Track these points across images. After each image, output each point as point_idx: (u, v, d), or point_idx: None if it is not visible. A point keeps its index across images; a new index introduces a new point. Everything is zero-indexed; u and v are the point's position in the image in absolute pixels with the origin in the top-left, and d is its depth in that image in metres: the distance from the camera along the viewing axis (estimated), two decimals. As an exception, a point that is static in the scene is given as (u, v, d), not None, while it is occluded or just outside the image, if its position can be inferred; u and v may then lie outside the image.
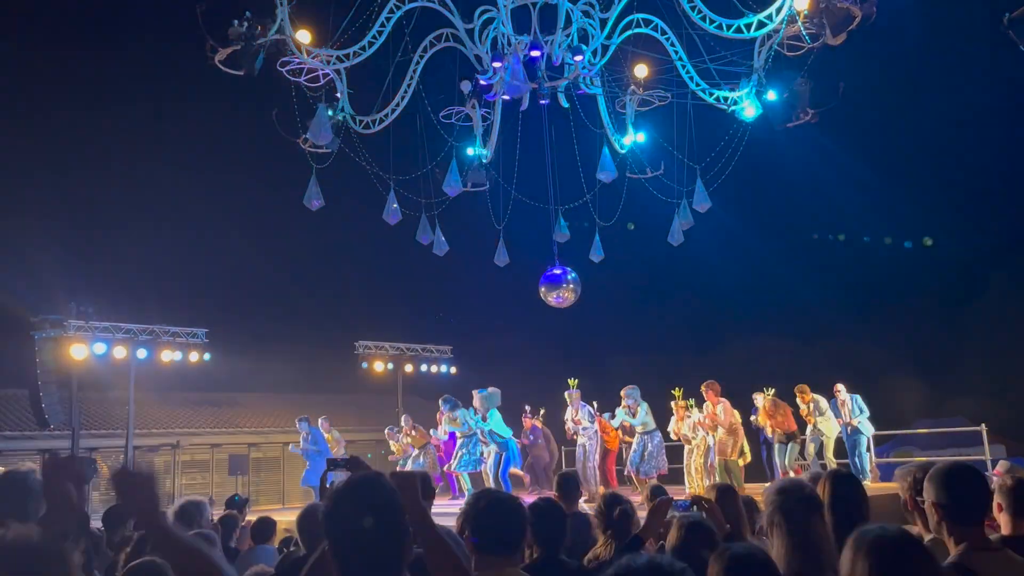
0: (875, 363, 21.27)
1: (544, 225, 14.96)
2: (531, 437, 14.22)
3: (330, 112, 12.47)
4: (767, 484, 5.81)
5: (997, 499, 3.32)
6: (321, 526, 2.08)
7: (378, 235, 18.81)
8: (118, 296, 21.31)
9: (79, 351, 16.12)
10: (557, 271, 13.99)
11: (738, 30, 11.03)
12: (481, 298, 23.76)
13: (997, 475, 6.74)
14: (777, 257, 23.54)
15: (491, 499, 2.93)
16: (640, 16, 12.74)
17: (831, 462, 12.20)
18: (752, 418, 13.03)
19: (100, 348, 16.32)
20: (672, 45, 12.53)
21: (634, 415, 12.45)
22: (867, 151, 23.48)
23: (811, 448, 12.61)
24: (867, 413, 12.69)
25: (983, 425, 13.75)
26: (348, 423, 20.86)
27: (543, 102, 12.83)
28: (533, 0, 12.05)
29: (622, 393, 12.58)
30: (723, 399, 12.28)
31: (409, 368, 21.88)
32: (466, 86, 13.20)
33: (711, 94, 12.22)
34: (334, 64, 12.04)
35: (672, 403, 12.47)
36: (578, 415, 12.85)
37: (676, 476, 12.76)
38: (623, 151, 14.03)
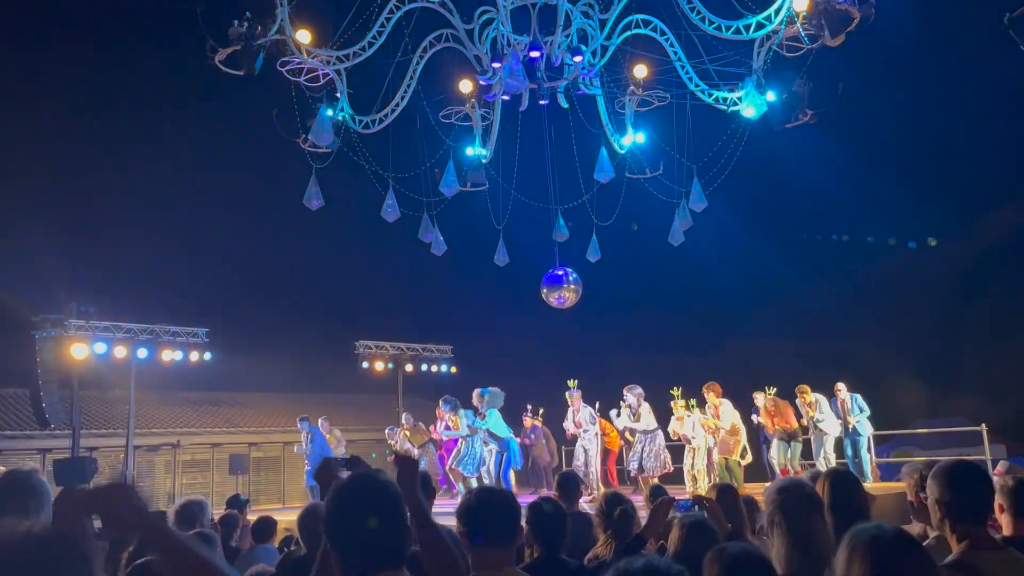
0: (875, 363, 21.29)
1: (544, 225, 14.98)
2: (531, 437, 14.23)
3: (330, 112, 12.48)
4: (767, 484, 5.82)
5: (998, 499, 3.32)
6: (322, 523, 2.09)
7: (378, 235, 18.86)
8: (119, 295, 21.34)
9: (80, 350, 16.12)
10: (559, 272, 14.01)
11: (737, 31, 11.04)
12: (481, 298, 23.78)
13: (997, 475, 6.74)
14: (777, 257, 23.56)
15: (482, 494, 2.97)
16: (639, 17, 12.74)
17: (831, 462, 12.20)
18: (753, 417, 13.03)
19: (101, 347, 16.32)
20: (671, 46, 12.54)
21: (636, 416, 12.45)
22: (867, 151, 23.50)
23: (812, 448, 12.61)
24: (867, 413, 12.69)
25: (983, 425, 13.75)
26: (348, 423, 20.86)
27: (542, 103, 12.83)
28: (533, 1, 12.04)
29: (625, 392, 12.58)
30: (724, 399, 12.28)
31: (409, 368, 21.88)
32: (466, 86, 13.21)
33: (710, 95, 12.23)
34: (334, 64, 12.04)
35: (672, 403, 12.48)
36: (579, 416, 12.84)
37: (678, 476, 12.76)
38: (622, 151, 14.03)
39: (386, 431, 15.37)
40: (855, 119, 19.38)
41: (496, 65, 12.22)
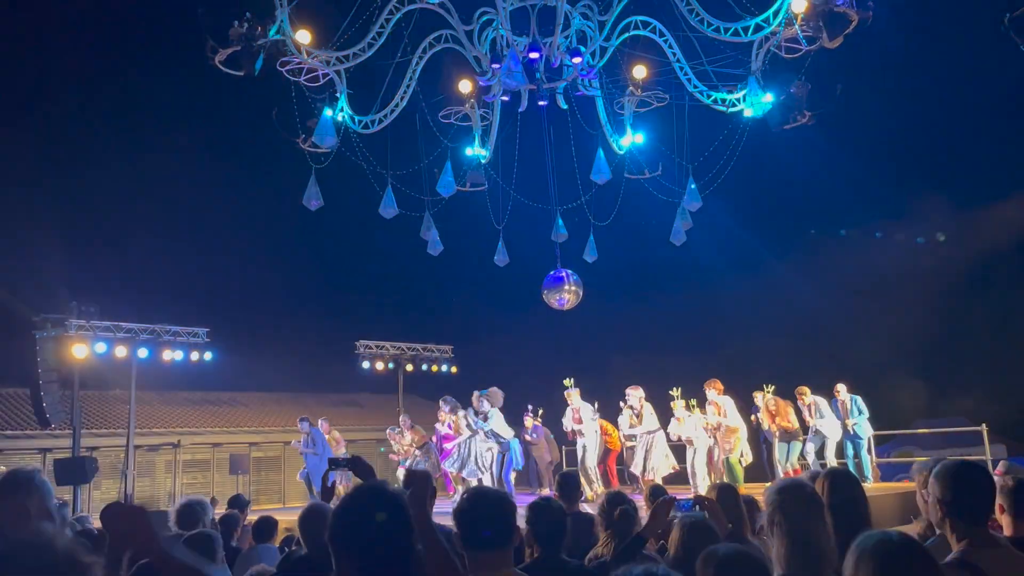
0: (876, 363, 21.29)
1: (544, 225, 15.00)
2: (533, 436, 14.24)
3: (329, 112, 12.50)
4: (767, 484, 5.82)
5: (998, 499, 3.32)
6: (331, 530, 2.08)
7: (378, 235, 18.87)
8: (120, 295, 21.38)
9: (80, 350, 16.13)
10: (560, 274, 14.04)
11: (735, 33, 11.06)
12: (481, 298, 23.79)
13: (997, 475, 6.75)
14: (777, 257, 23.56)
15: (476, 497, 2.97)
16: (638, 18, 12.74)
17: (832, 462, 12.21)
18: (753, 417, 13.04)
19: (101, 347, 16.34)
20: (670, 47, 12.55)
21: (639, 416, 12.44)
22: (866, 148, 23.52)
23: (811, 448, 12.62)
24: (867, 414, 12.71)
25: (984, 425, 13.76)
26: (348, 423, 20.89)
27: (541, 103, 12.85)
28: (532, 2, 12.04)
29: (627, 393, 12.57)
30: (726, 396, 12.28)
31: (410, 368, 21.87)
32: (465, 86, 13.21)
33: (709, 96, 12.26)
34: (333, 65, 12.05)
35: (671, 404, 12.48)
36: (579, 414, 12.83)
37: (680, 476, 12.76)
38: (621, 152, 14.04)
39: (388, 431, 15.38)
40: (854, 117, 19.39)
41: (496, 66, 12.22)
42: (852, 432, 12.57)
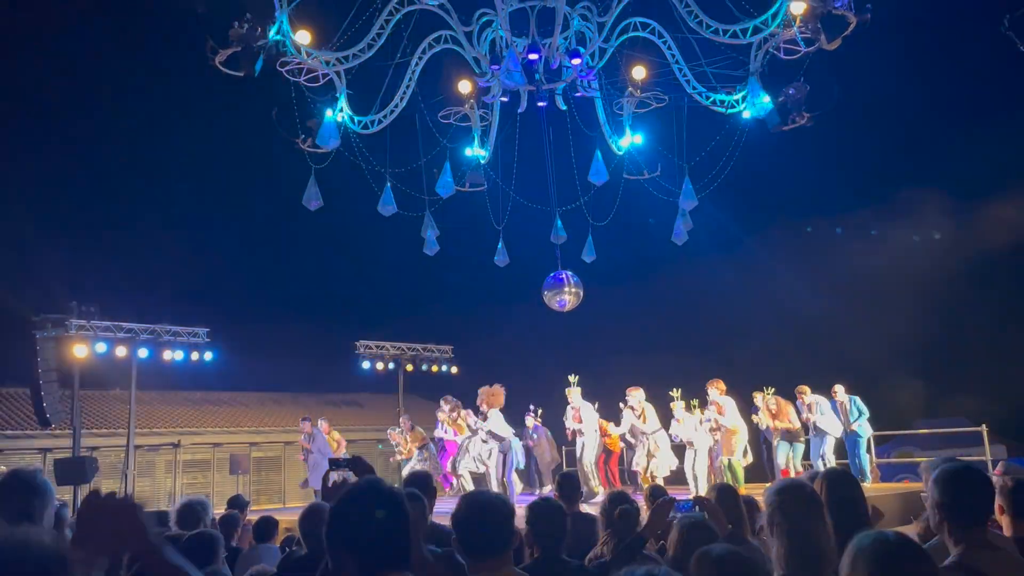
0: (875, 363, 21.28)
1: (543, 225, 15.01)
2: (534, 437, 14.25)
3: (329, 112, 12.51)
4: (768, 484, 5.83)
5: (998, 500, 3.32)
6: (328, 527, 2.08)
7: (378, 235, 18.87)
8: (120, 295, 21.38)
9: (81, 350, 16.15)
10: (560, 275, 14.07)
11: (734, 35, 11.07)
12: (481, 298, 23.79)
13: (996, 475, 6.77)
14: (777, 257, 23.55)
15: (473, 501, 2.97)
16: (637, 20, 12.75)
17: (831, 462, 12.21)
18: (753, 417, 13.04)
19: (101, 347, 16.35)
20: (669, 49, 12.57)
21: (640, 417, 12.43)
22: (865, 149, 23.51)
23: (812, 449, 12.62)
24: (866, 415, 12.71)
25: (984, 426, 13.77)
26: (349, 423, 20.89)
27: (541, 104, 12.86)
28: (531, 3, 12.06)
29: (628, 394, 12.57)
30: (728, 397, 12.29)
31: (410, 368, 21.87)
32: (465, 86, 13.23)
33: (707, 97, 12.28)
34: (333, 65, 12.06)
35: (671, 405, 12.49)
36: (579, 414, 12.83)
37: (680, 476, 12.77)
38: (620, 153, 14.05)
39: (389, 431, 15.41)
40: (852, 116, 19.42)
41: (495, 67, 12.23)
42: (852, 431, 12.57)
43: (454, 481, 13.71)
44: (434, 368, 22.48)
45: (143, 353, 17.02)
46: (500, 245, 15.20)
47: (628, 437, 13.39)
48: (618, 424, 13.36)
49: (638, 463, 12.55)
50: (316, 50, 11.64)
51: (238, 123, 20.12)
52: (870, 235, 23.34)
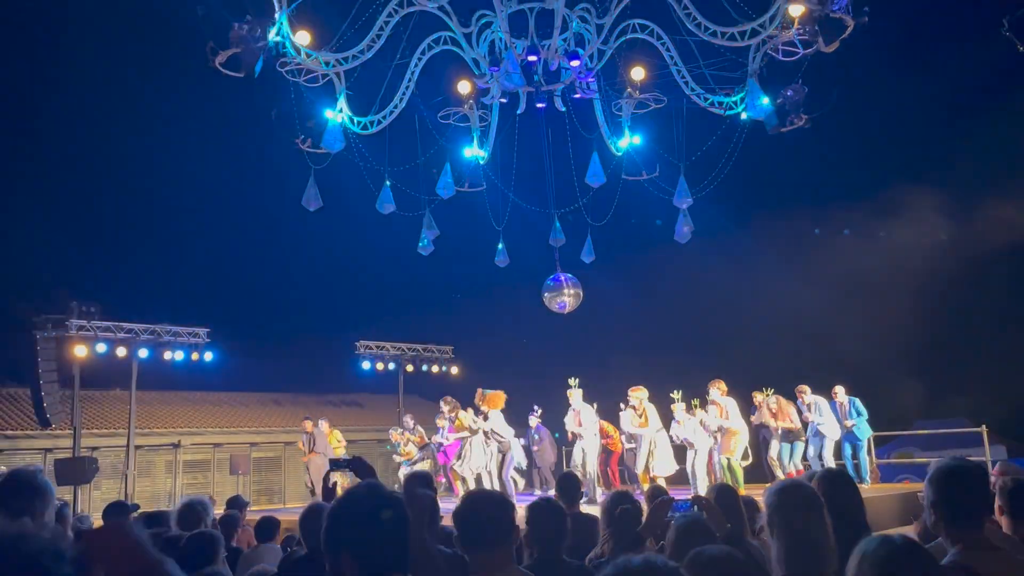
0: (875, 363, 21.27)
1: (544, 225, 15.03)
2: (536, 437, 14.27)
3: (329, 113, 12.53)
4: (767, 484, 5.83)
5: (997, 500, 3.33)
6: (331, 530, 2.08)
7: (379, 235, 18.87)
8: (120, 295, 21.41)
9: (81, 350, 16.16)
10: (559, 278, 14.11)
11: (732, 38, 11.09)
12: (482, 298, 23.78)
13: (994, 475, 6.78)
14: (776, 257, 23.54)
15: (473, 499, 2.99)
16: (636, 21, 12.76)
17: (831, 463, 12.22)
18: (752, 417, 13.05)
19: (102, 347, 16.37)
20: (667, 50, 12.58)
21: (641, 416, 12.44)
22: (864, 148, 23.51)
23: (811, 449, 12.62)
24: (865, 416, 12.72)
25: (983, 426, 13.77)
26: (349, 423, 20.89)
27: (540, 106, 12.88)
28: (530, 5, 12.07)
29: (629, 392, 12.57)
30: (729, 398, 12.30)
31: (410, 368, 21.88)
32: (464, 86, 13.24)
33: (706, 99, 12.30)
34: (333, 66, 12.07)
35: (672, 406, 12.50)
36: (579, 416, 12.83)
37: (680, 477, 12.77)
38: (619, 154, 14.07)
39: (390, 431, 15.45)
40: (852, 116, 19.43)
41: (494, 69, 12.25)
42: (851, 432, 12.58)
43: (454, 478, 13.72)
44: (434, 368, 22.50)
45: (143, 353, 17.04)
46: (500, 246, 15.22)
47: (625, 440, 13.40)
48: (618, 425, 13.37)
49: (638, 464, 12.55)
50: (316, 51, 11.64)
51: (238, 123, 20.14)
52: (870, 235, 23.32)
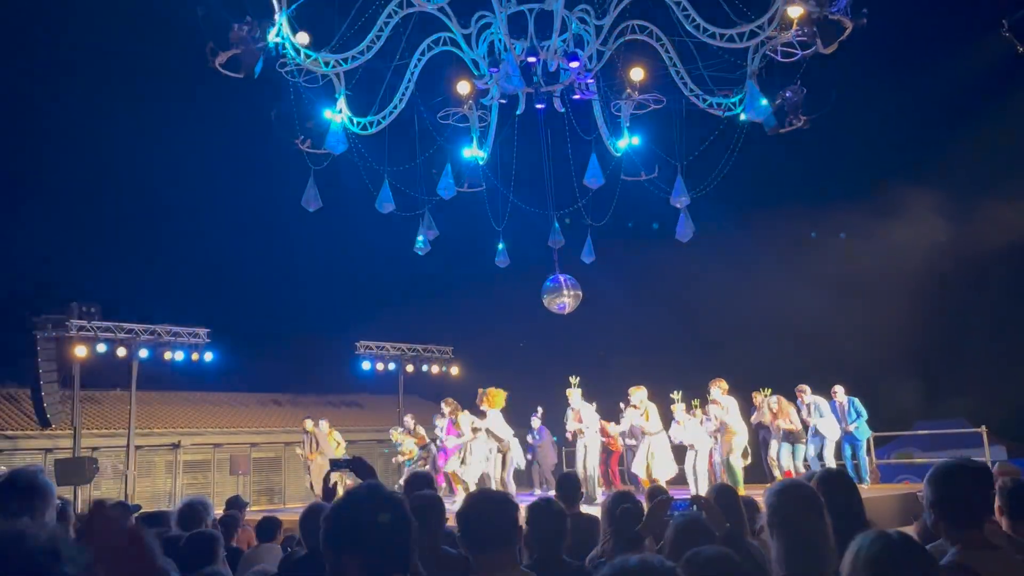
0: (875, 364, 21.26)
1: (544, 225, 15.04)
2: (538, 437, 14.28)
3: (328, 113, 12.55)
4: (767, 485, 5.82)
5: (997, 501, 3.32)
6: (334, 530, 2.08)
7: (379, 235, 18.87)
8: (120, 295, 21.39)
9: (81, 350, 16.17)
10: (558, 279, 14.14)
11: (731, 39, 11.10)
12: (482, 298, 23.77)
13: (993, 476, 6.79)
14: (775, 257, 23.54)
15: (478, 498, 3.00)
16: (635, 22, 12.77)
17: (831, 464, 12.22)
18: (752, 417, 13.05)
19: (102, 347, 16.38)
20: (666, 51, 12.59)
21: (643, 415, 12.45)
22: (862, 148, 23.50)
23: (811, 449, 12.62)
24: (865, 416, 12.72)
25: (983, 427, 13.77)
26: (349, 423, 20.89)
27: (539, 107, 12.90)
28: (530, 6, 12.09)
29: (630, 392, 12.58)
30: (730, 398, 12.30)
31: (410, 368, 21.88)
32: (464, 87, 13.26)
33: (704, 99, 12.31)
34: (333, 67, 12.08)
35: (672, 407, 12.50)
36: (580, 415, 12.83)
37: (680, 477, 12.77)
38: (618, 154, 14.08)
39: (390, 431, 15.47)
40: (852, 115, 19.41)
41: (493, 71, 12.26)
42: (850, 434, 12.58)
43: (454, 479, 13.72)
44: (434, 369, 22.50)
45: (143, 353, 17.04)
46: (500, 246, 15.23)
47: (627, 439, 13.39)
48: (619, 424, 13.36)
49: (638, 464, 12.55)
50: (316, 52, 11.65)
51: (238, 123, 20.15)
52: (869, 236, 23.31)
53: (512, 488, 12.81)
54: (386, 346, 21.42)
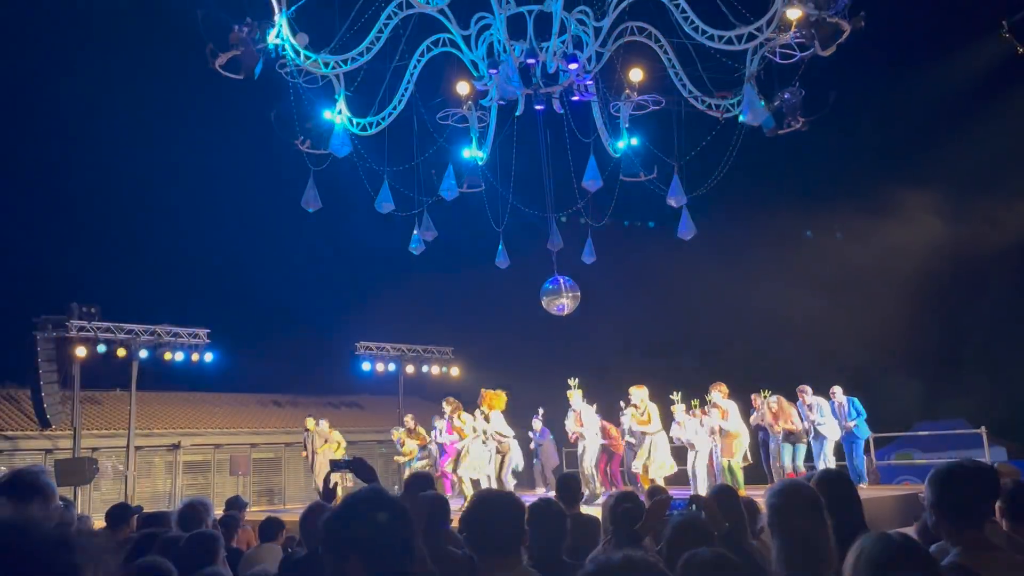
0: (875, 365, 21.28)
1: (542, 225, 15.06)
2: (541, 440, 14.28)
3: (328, 114, 12.56)
4: (767, 486, 5.82)
5: (998, 502, 3.32)
6: (340, 533, 2.08)
7: (379, 236, 18.87)
8: (120, 296, 21.38)
9: (81, 350, 16.18)
10: (556, 281, 14.17)
11: (729, 42, 11.10)
12: (482, 299, 23.78)
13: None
14: (774, 258, 23.54)
15: (485, 499, 3.00)
16: (634, 23, 12.78)
17: (831, 464, 12.22)
18: (751, 418, 13.05)
19: (102, 348, 16.39)
20: (665, 53, 12.60)
21: (644, 414, 12.45)
22: (860, 149, 23.52)
23: (812, 451, 12.63)
24: (864, 416, 12.72)
25: (983, 427, 13.77)
26: (349, 424, 20.88)
27: (538, 108, 12.91)
28: (529, 8, 12.09)
29: (631, 391, 12.59)
30: (731, 401, 12.31)
31: (411, 369, 21.87)
32: (463, 87, 13.27)
33: (703, 101, 12.32)
34: (333, 68, 12.08)
35: (672, 407, 12.50)
36: (581, 417, 12.83)
37: (680, 478, 12.77)
38: (617, 155, 14.09)
39: (391, 431, 15.49)
40: (851, 115, 19.45)
41: (493, 72, 12.26)
42: (849, 432, 12.58)
43: (454, 479, 13.72)
44: (434, 369, 22.49)
45: (143, 354, 17.05)
46: (500, 247, 15.23)
47: (628, 438, 13.39)
48: (619, 424, 13.37)
49: (637, 464, 12.55)
50: (315, 53, 11.66)
51: (238, 124, 20.15)
52: (869, 237, 23.32)
53: (509, 488, 12.80)
54: (386, 347, 21.41)
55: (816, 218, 24.53)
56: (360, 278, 26.96)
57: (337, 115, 12.69)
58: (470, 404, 13.27)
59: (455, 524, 4.17)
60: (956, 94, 20.77)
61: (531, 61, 11.97)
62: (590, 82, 13.12)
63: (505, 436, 12.80)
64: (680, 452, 12.99)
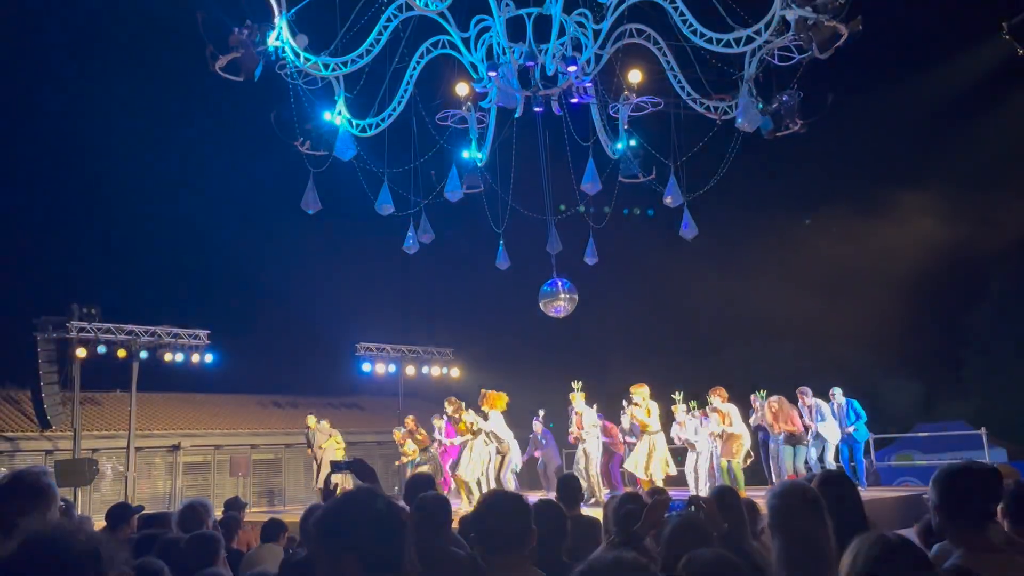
0: (874, 367, 21.30)
1: (542, 226, 15.06)
2: (543, 441, 14.27)
3: (327, 115, 12.57)
4: (767, 487, 5.82)
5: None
6: (335, 533, 2.08)
7: (379, 237, 18.89)
8: (121, 297, 21.41)
9: (81, 351, 16.18)
10: (555, 283, 14.19)
11: (727, 45, 11.11)
12: (482, 299, 23.80)
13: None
14: (773, 259, 23.56)
15: (492, 500, 3.00)
16: (633, 26, 12.80)
17: (832, 466, 12.23)
18: (751, 419, 13.05)
19: (102, 349, 16.39)
20: (664, 55, 12.61)
21: (646, 413, 12.44)
22: (860, 150, 23.54)
23: (812, 452, 12.63)
24: (864, 418, 12.72)
25: (983, 428, 13.77)
26: (349, 425, 20.88)
27: (538, 110, 12.92)
28: (528, 11, 12.10)
29: (631, 390, 12.59)
30: (731, 404, 12.31)
31: (411, 370, 21.86)
32: (463, 89, 13.28)
33: (702, 103, 12.33)
34: (332, 70, 12.09)
35: (672, 408, 12.50)
36: (583, 419, 12.83)
37: (680, 478, 12.77)
38: (616, 157, 14.11)
39: (393, 432, 15.49)
40: (851, 115, 19.45)
41: (492, 74, 12.28)
42: (849, 435, 12.59)
43: (458, 485, 13.72)
44: (435, 370, 22.49)
45: (143, 355, 17.05)
46: (501, 248, 15.24)
47: (628, 437, 13.39)
48: (621, 424, 13.39)
49: (636, 464, 12.54)
50: (315, 55, 11.67)
51: (238, 125, 20.17)
52: (869, 238, 23.35)
53: (509, 488, 12.81)
54: (386, 348, 21.41)
55: (816, 218, 24.55)
56: (360, 279, 26.96)
57: (337, 116, 12.70)
58: (470, 405, 13.27)
59: (455, 525, 4.18)
60: (956, 96, 20.78)
61: (530, 63, 11.99)
62: (589, 84, 13.12)
63: (502, 439, 12.79)
64: (680, 452, 12.99)
